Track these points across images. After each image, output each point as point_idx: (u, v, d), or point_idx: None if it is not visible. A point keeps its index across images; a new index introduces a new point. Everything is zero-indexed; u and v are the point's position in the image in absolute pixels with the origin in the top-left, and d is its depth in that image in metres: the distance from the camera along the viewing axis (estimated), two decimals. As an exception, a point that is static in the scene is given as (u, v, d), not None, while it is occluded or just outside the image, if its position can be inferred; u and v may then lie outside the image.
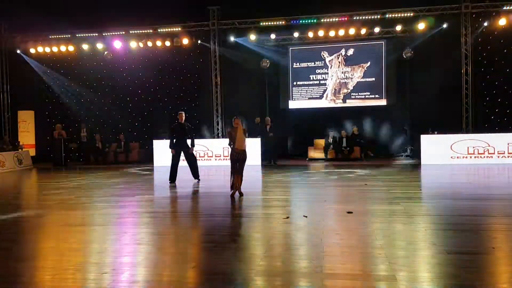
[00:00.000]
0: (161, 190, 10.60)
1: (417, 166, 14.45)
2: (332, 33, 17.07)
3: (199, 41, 18.20)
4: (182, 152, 11.26)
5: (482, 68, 16.68)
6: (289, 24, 17.43)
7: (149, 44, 18.25)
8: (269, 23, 17.51)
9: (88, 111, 19.38)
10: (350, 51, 17.89)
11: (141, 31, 18.28)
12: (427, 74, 16.54)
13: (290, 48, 18.38)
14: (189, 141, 11.33)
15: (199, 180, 11.47)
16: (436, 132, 15.69)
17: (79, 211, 7.71)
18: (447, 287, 3.81)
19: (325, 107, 18.11)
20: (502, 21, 15.71)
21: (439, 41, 16.49)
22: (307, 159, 17.33)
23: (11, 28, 19.01)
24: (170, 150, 11.23)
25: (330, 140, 17.17)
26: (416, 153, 15.73)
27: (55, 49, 18.85)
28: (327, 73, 18.14)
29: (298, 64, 18.39)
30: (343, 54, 17.96)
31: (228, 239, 5.63)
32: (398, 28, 16.73)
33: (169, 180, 11.23)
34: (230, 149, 8.83)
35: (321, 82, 18.21)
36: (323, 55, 18.10)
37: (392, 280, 3.95)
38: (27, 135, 19.36)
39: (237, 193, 8.62)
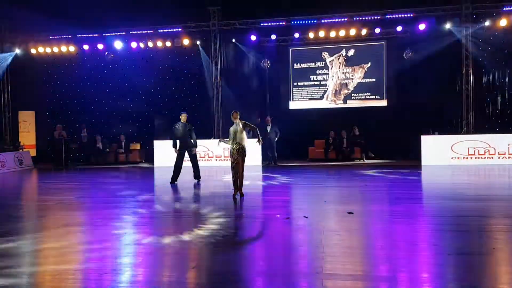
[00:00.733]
0: (162, 191, 10.61)
1: (417, 167, 14.43)
2: (332, 34, 17.06)
3: (199, 42, 18.20)
4: (186, 152, 11.29)
5: (482, 68, 16.65)
6: (289, 25, 17.42)
7: (150, 44, 18.26)
8: (270, 24, 17.50)
9: (89, 111, 19.35)
10: (351, 52, 17.88)
11: (141, 32, 18.27)
12: (427, 74, 16.52)
13: (291, 49, 18.37)
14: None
15: (199, 180, 11.53)
16: (436, 133, 15.67)
17: (79, 212, 7.71)
18: (447, 288, 3.80)
19: (326, 108, 18.08)
20: (503, 22, 15.69)
21: (439, 41, 16.47)
22: (308, 159, 17.33)
23: (12, 28, 19.01)
24: (174, 150, 11.26)
25: (331, 140, 17.16)
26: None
27: (55, 49, 18.86)
28: (328, 74, 18.13)
29: (298, 64, 18.38)
30: (343, 55, 17.96)
31: (228, 239, 5.62)
32: (399, 28, 16.71)
33: (171, 181, 11.22)
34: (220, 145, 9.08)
35: (322, 82, 18.20)
36: (324, 56, 18.10)
37: (393, 281, 3.95)
38: (27, 135, 19.35)
39: (238, 193, 8.60)
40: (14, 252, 5.19)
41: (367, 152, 17.11)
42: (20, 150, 17.63)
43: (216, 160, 16.38)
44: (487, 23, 16.15)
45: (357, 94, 17.92)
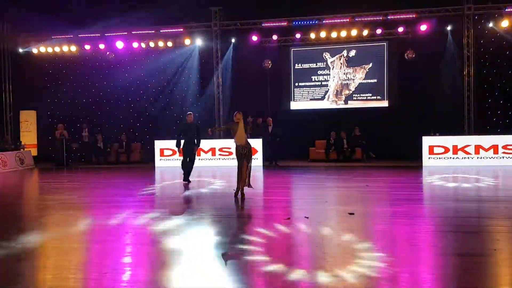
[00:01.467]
0: (163, 190, 10.61)
1: (418, 167, 14.42)
2: (334, 34, 17.06)
3: (200, 42, 18.20)
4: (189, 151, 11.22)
5: (484, 69, 16.64)
6: (291, 25, 17.43)
7: (151, 44, 18.28)
8: (271, 24, 17.50)
9: (90, 111, 19.39)
10: (352, 52, 17.88)
11: (143, 32, 18.28)
12: (429, 75, 16.51)
13: (292, 49, 18.37)
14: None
15: (189, 182, 11.36)
16: (437, 134, 15.67)
17: (80, 211, 7.71)
18: (448, 289, 3.80)
19: (327, 108, 18.09)
20: (505, 23, 15.69)
21: (441, 42, 16.47)
22: (309, 160, 17.33)
23: (14, 28, 19.03)
24: (177, 149, 11.28)
25: (332, 141, 17.16)
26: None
27: (57, 49, 18.88)
28: (329, 74, 18.13)
29: (300, 65, 18.39)
30: (345, 55, 17.96)
31: (229, 239, 5.62)
32: (400, 29, 16.71)
33: (183, 179, 11.35)
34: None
35: (323, 83, 18.20)
36: (325, 56, 18.10)
37: (394, 282, 3.95)
38: (29, 135, 19.37)
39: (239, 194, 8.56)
40: (14, 252, 5.20)
41: (368, 152, 17.10)
42: (22, 150, 17.65)
43: (220, 159, 16.38)
44: (489, 24, 16.15)
45: (358, 95, 17.92)
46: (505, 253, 4.89)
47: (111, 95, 19.14)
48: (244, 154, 8.45)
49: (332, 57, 18.04)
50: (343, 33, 16.95)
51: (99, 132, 18.68)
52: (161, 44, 18.18)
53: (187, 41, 17.97)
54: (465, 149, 14.85)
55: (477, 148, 14.75)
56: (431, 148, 15.07)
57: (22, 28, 18.69)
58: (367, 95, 17.85)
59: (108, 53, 18.72)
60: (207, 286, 4.04)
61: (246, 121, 8.81)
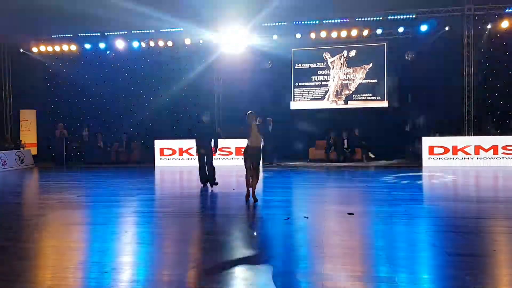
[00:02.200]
0: (162, 190, 10.61)
1: (418, 167, 14.43)
2: (334, 35, 17.05)
3: (200, 41, 18.19)
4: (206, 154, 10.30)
5: (484, 70, 16.64)
6: (291, 25, 17.41)
7: (152, 44, 18.26)
8: (271, 24, 17.48)
9: (90, 110, 19.38)
10: (352, 53, 17.88)
11: (143, 31, 18.27)
12: (429, 76, 16.51)
13: (292, 49, 18.36)
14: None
15: (210, 185, 10.35)
16: (437, 134, 15.67)
17: (80, 210, 7.72)
18: (447, 289, 3.81)
19: (327, 108, 18.08)
20: (505, 24, 15.68)
21: (441, 43, 16.46)
22: (308, 160, 17.33)
23: (13, 27, 19.01)
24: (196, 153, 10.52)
25: (332, 141, 17.16)
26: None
27: (57, 48, 18.88)
28: (329, 74, 18.12)
29: (300, 65, 18.38)
30: (345, 56, 17.95)
31: (229, 239, 5.63)
32: (400, 29, 16.70)
33: (200, 182, 10.44)
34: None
35: (323, 83, 18.19)
36: (325, 56, 18.10)
37: (393, 282, 3.95)
38: (29, 134, 19.35)
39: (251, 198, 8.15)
40: (14, 251, 5.20)
41: (368, 153, 17.10)
42: (21, 149, 17.64)
43: (219, 159, 16.39)
44: (489, 25, 16.15)
45: (358, 95, 17.91)
46: (505, 253, 4.89)
47: (111, 94, 19.12)
48: (254, 156, 8.17)
49: (332, 57, 18.04)
50: (343, 33, 16.93)
51: (99, 131, 18.68)
52: (161, 43, 18.18)
53: (187, 41, 17.97)
54: (465, 149, 14.84)
55: (477, 148, 14.75)
56: (431, 149, 15.06)
57: (22, 27, 18.65)
58: (367, 95, 17.85)
59: (108, 52, 18.71)
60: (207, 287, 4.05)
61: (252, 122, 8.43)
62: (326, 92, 18.14)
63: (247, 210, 7.65)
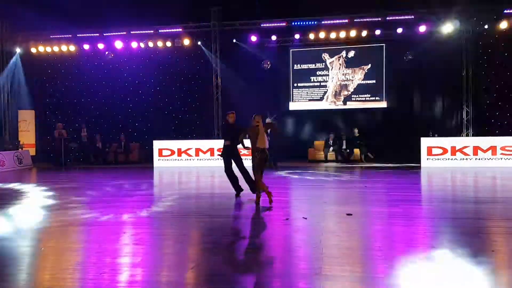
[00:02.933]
0: (160, 191, 10.60)
1: (416, 168, 14.44)
2: (333, 35, 17.09)
3: (199, 42, 18.21)
4: (232, 159, 9.10)
5: (482, 71, 16.68)
6: (290, 26, 17.44)
7: (150, 44, 18.27)
8: (270, 25, 17.52)
9: (89, 111, 19.39)
10: (351, 53, 17.91)
11: (142, 32, 18.29)
12: (427, 77, 16.54)
13: (291, 50, 18.39)
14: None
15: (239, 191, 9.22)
16: (436, 135, 15.68)
17: (78, 211, 7.70)
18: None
19: (326, 109, 18.11)
20: (503, 25, 15.72)
21: (439, 44, 16.49)
22: (307, 160, 17.33)
23: (12, 27, 19.01)
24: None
25: (330, 142, 17.18)
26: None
27: (56, 48, 18.87)
28: (328, 75, 18.15)
29: (299, 65, 18.41)
30: (344, 56, 17.98)
31: (227, 240, 5.62)
32: (399, 30, 16.74)
33: (236, 194, 9.15)
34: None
35: (322, 84, 18.22)
36: (324, 57, 18.12)
37: (390, 282, 3.95)
38: (27, 134, 19.34)
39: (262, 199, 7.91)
40: (11, 252, 5.19)
41: (367, 153, 17.12)
42: (20, 149, 17.62)
43: (219, 159, 16.38)
44: (487, 26, 16.18)
45: (357, 96, 17.94)
46: (503, 254, 4.89)
47: (110, 95, 19.13)
48: (263, 158, 7.84)
49: (331, 57, 18.06)
50: (342, 34, 16.98)
51: (98, 132, 18.67)
52: (160, 44, 18.19)
53: (186, 41, 17.98)
54: (464, 150, 14.87)
55: (476, 149, 14.77)
56: (429, 149, 15.09)
57: (21, 27, 18.66)
58: (365, 96, 17.88)
59: (107, 52, 18.71)
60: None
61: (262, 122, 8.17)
62: (325, 92, 18.16)
63: (246, 211, 7.64)
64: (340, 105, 18.06)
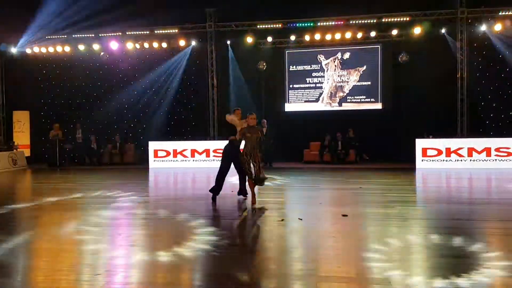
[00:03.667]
0: (156, 192, 10.58)
1: (412, 169, 14.48)
2: (328, 37, 17.12)
3: (195, 43, 18.19)
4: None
5: (477, 73, 16.76)
6: (285, 27, 17.46)
7: (146, 45, 18.24)
8: (266, 26, 17.54)
9: (84, 112, 19.30)
10: (346, 55, 17.95)
11: (137, 32, 18.25)
12: (422, 78, 16.59)
13: (287, 51, 18.40)
14: None
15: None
16: (431, 136, 15.74)
17: (73, 212, 7.67)
18: (441, 291, 3.82)
19: (321, 110, 18.14)
20: (498, 26, 15.81)
21: (434, 45, 16.57)
22: (303, 161, 17.35)
23: (7, 27, 18.90)
24: None
25: (326, 143, 17.20)
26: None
27: (51, 49, 18.80)
28: (323, 76, 18.17)
29: (294, 67, 18.42)
30: (339, 58, 18.01)
31: (223, 241, 5.61)
32: (394, 32, 16.79)
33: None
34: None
35: (317, 85, 18.24)
36: (320, 59, 18.15)
37: (386, 283, 3.96)
38: (22, 135, 19.24)
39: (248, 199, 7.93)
40: (6, 253, 5.16)
41: (362, 154, 17.16)
42: (15, 150, 17.52)
43: (214, 160, 16.36)
44: (482, 28, 16.27)
45: (352, 97, 17.98)
46: (497, 255, 4.91)
47: (105, 95, 19.06)
48: (250, 155, 7.88)
49: (327, 59, 18.09)
50: (338, 36, 17.01)
51: (93, 132, 18.60)
52: (155, 45, 18.15)
53: (181, 42, 17.95)
54: (458, 151, 14.93)
55: (470, 150, 14.84)
56: (424, 151, 15.13)
57: (16, 27, 18.56)
58: (361, 97, 17.92)
59: (102, 53, 18.65)
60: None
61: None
62: (321, 94, 18.18)
63: (242, 212, 7.63)
64: (335, 107, 18.09)
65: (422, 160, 15.10)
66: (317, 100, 18.22)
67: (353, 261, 4.72)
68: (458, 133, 16.50)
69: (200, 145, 16.62)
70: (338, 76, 18.05)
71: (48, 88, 19.55)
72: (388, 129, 16.85)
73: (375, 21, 16.81)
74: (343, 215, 6.85)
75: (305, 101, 18.34)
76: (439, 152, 15.04)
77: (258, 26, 17.54)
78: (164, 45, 18.13)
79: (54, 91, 19.45)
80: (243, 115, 8.46)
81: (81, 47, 18.48)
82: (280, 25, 17.42)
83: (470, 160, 14.82)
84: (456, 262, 4.59)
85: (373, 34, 16.94)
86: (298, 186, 11.29)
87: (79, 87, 19.20)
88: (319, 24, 17.13)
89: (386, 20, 16.69)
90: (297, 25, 17.37)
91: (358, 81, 17.91)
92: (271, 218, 6.98)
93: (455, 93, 16.72)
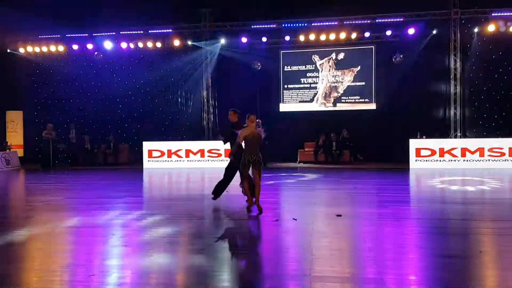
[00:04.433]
0: (150, 192, 10.55)
1: (405, 169, 14.54)
2: (323, 37, 17.16)
3: (190, 43, 18.17)
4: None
5: (470, 73, 16.85)
6: (280, 28, 17.48)
7: (140, 45, 18.17)
8: (261, 26, 17.54)
9: (77, 111, 19.17)
10: (341, 55, 17.98)
11: (132, 32, 18.19)
12: (416, 79, 16.67)
13: (281, 51, 18.41)
14: None
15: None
16: (424, 137, 15.81)
17: (66, 213, 7.64)
18: (434, 290, 3.84)
19: (316, 111, 18.16)
20: (491, 27, 15.90)
21: (428, 46, 16.64)
22: (297, 161, 17.37)
23: (0, 27, 18.78)
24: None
25: (320, 143, 17.23)
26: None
27: (44, 49, 18.70)
28: (318, 77, 18.20)
29: (289, 67, 18.43)
30: (333, 58, 18.05)
31: (217, 242, 5.61)
32: (388, 33, 16.84)
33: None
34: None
35: (312, 85, 18.27)
36: (314, 59, 18.17)
37: (380, 283, 3.97)
38: (15, 135, 19.11)
39: (255, 207, 7.41)
40: (1, 253, 5.13)
41: (356, 154, 17.21)
42: (8, 150, 17.41)
43: (209, 160, 16.35)
44: (475, 29, 16.36)
45: (347, 97, 18.02)
46: (491, 254, 4.95)
47: (99, 95, 18.96)
48: (253, 161, 7.40)
49: (321, 59, 18.12)
50: (332, 36, 17.05)
51: (86, 133, 18.52)
52: (150, 44, 18.09)
53: (176, 42, 17.92)
54: (452, 152, 15.00)
55: (464, 151, 14.92)
56: (418, 151, 15.20)
57: (9, 27, 18.44)
58: (355, 97, 17.96)
59: (96, 53, 18.57)
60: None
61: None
62: (315, 94, 18.21)
63: (236, 213, 7.63)
64: (330, 107, 18.12)
65: (416, 160, 15.17)
66: (311, 100, 18.25)
67: (347, 261, 4.74)
68: (452, 133, 16.58)
69: (194, 145, 16.60)
70: (333, 76, 18.09)
71: (41, 88, 19.41)
72: (382, 130, 16.91)
73: (369, 21, 16.87)
74: (337, 215, 6.87)
75: (300, 101, 18.36)
76: (433, 152, 15.11)
77: (252, 26, 17.54)
78: (159, 45, 18.08)
79: (47, 91, 19.33)
80: (243, 116, 8.18)
81: (75, 46, 18.39)
82: (274, 25, 17.43)
83: (464, 160, 14.90)
84: (449, 262, 4.61)
85: (367, 34, 16.99)
86: (292, 186, 11.30)
87: (73, 87, 19.08)
88: (313, 24, 17.16)
89: (380, 20, 16.75)
90: (292, 25, 17.39)
91: (353, 82, 17.95)
92: (265, 218, 6.98)
93: (448, 93, 16.81)
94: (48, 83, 19.37)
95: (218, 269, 4.52)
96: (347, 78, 17.99)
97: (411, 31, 16.49)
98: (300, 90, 18.36)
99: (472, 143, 15.00)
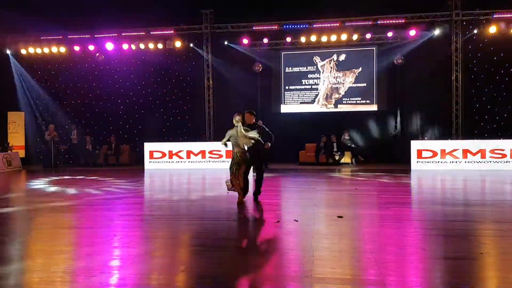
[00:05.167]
0: (151, 193, 10.55)
1: (407, 171, 14.52)
2: (324, 39, 17.17)
3: (191, 44, 18.18)
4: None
5: (472, 75, 16.85)
6: (281, 29, 17.49)
7: (142, 46, 18.20)
8: (262, 28, 17.56)
9: (79, 112, 19.23)
10: (342, 57, 17.99)
11: (133, 33, 18.22)
12: (417, 80, 16.67)
13: (283, 53, 18.43)
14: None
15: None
16: (426, 138, 15.80)
17: (68, 213, 7.64)
18: (435, 292, 3.83)
19: (317, 112, 18.17)
20: (492, 29, 15.90)
21: (429, 47, 16.64)
22: (298, 163, 17.37)
23: (1, 28, 18.82)
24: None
25: (322, 144, 17.23)
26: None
27: (46, 50, 18.74)
28: (319, 78, 18.21)
29: (290, 68, 18.45)
30: (335, 59, 18.05)
31: (218, 242, 5.61)
32: (390, 34, 16.85)
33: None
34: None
35: (313, 87, 18.28)
36: (315, 60, 18.18)
37: (381, 285, 3.97)
38: (16, 136, 19.13)
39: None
40: (2, 254, 5.13)
41: (357, 156, 17.20)
42: (9, 151, 17.43)
43: (210, 162, 16.34)
44: (477, 30, 16.35)
45: (348, 99, 18.02)
46: (492, 256, 4.93)
47: (100, 96, 19.01)
48: (241, 161, 8.02)
49: (322, 61, 18.13)
50: (333, 37, 17.08)
51: (88, 133, 18.55)
52: (151, 46, 18.12)
53: (177, 43, 17.94)
54: (453, 153, 14.99)
55: (465, 152, 14.90)
56: (419, 152, 15.18)
57: (10, 28, 18.48)
58: (356, 99, 17.96)
59: (97, 54, 18.60)
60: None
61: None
62: (316, 95, 18.22)
63: (237, 214, 7.63)
64: (331, 108, 18.13)
65: (417, 162, 15.15)
66: (313, 102, 18.25)
67: (348, 263, 4.73)
68: (453, 135, 16.56)
69: (195, 146, 16.61)
70: (334, 77, 18.09)
71: (43, 89, 19.45)
72: (383, 131, 16.90)
73: (370, 23, 16.88)
74: (339, 217, 6.86)
75: (301, 103, 18.36)
76: (434, 154, 15.10)
77: (254, 28, 17.55)
78: (160, 46, 18.11)
79: (49, 92, 19.37)
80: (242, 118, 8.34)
81: (77, 47, 18.42)
82: (276, 27, 17.45)
83: (465, 161, 14.88)
84: (450, 263, 4.60)
85: (368, 36, 17.02)
86: (293, 187, 11.29)
87: (75, 88, 19.14)
88: (314, 25, 17.17)
89: (382, 22, 16.75)
90: (293, 26, 17.40)
91: (354, 83, 17.96)
92: (267, 219, 6.98)
93: (450, 95, 16.80)
94: (49, 84, 19.41)
95: (218, 270, 4.51)
96: (348, 80, 18.00)
97: (412, 32, 16.50)
98: (301, 92, 18.37)
99: (474, 144, 14.98)
